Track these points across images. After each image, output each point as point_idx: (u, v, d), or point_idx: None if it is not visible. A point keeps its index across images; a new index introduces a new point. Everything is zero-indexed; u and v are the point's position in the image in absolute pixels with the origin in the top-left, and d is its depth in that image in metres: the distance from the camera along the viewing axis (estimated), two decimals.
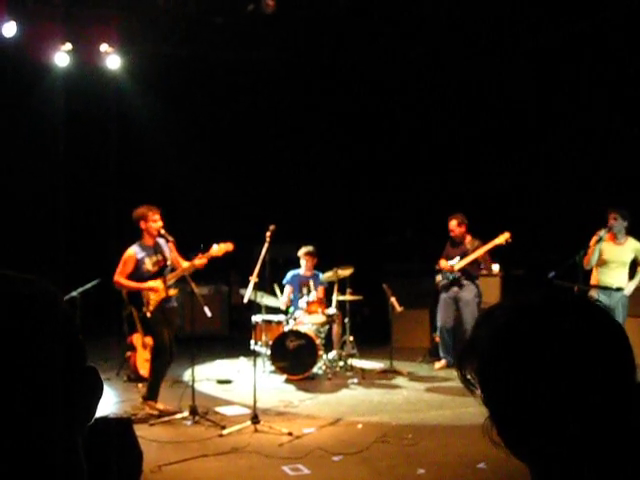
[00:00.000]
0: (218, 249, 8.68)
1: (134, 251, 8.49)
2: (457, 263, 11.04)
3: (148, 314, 8.39)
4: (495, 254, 11.38)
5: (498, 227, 10.89)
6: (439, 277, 11.38)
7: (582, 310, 1.26)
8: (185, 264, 8.59)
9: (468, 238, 11.16)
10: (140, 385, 9.60)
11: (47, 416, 1.05)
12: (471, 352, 1.29)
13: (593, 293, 9.66)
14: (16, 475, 1.03)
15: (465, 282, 11.14)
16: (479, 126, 13.57)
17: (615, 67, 11.40)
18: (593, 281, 9.97)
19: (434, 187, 14.53)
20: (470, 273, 11.16)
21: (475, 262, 11.10)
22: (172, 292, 8.55)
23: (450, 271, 11.13)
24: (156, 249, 8.55)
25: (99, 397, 1.13)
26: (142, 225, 8.47)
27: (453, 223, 11.20)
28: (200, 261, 8.50)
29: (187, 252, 8.90)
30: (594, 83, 11.76)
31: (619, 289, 9.77)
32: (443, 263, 11.20)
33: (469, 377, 1.29)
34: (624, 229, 9.77)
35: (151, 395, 8.52)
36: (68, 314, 1.12)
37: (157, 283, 8.44)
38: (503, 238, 10.72)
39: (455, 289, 11.20)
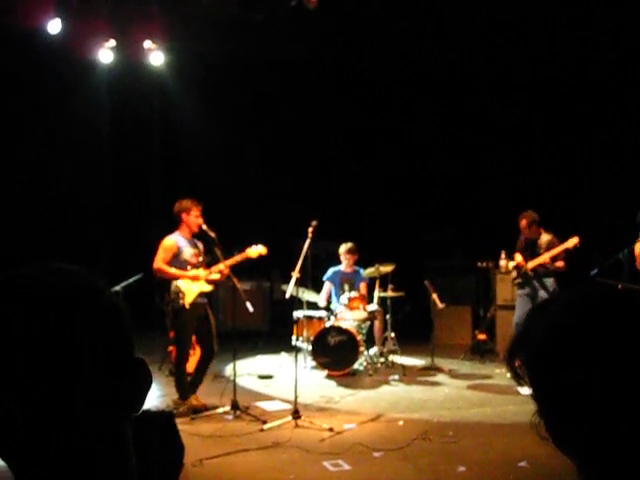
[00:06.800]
0: (252, 251, 8.71)
1: (175, 239, 8.47)
2: (529, 262, 10.35)
3: (187, 306, 8.32)
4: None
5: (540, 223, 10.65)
6: (514, 273, 10.70)
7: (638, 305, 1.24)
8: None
9: (542, 235, 10.46)
10: None
11: (91, 407, 1.06)
12: (522, 345, 1.28)
13: None
14: (58, 466, 1.04)
15: (538, 281, 10.39)
16: (523, 121, 13.47)
17: None
18: None
19: (475, 184, 14.45)
20: (538, 272, 10.38)
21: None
22: (208, 288, 8.58)
23: (524, 268, 10.42)
24: (194, 242, 8.60)
25: (147, 388, 1.14)
26: (184, 217, 8.47)
27: (523, 224, 10.48)
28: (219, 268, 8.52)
29: (227, 248, 8.92)
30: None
31: None
32: (518, 257, 10.53)
33: (518, 370, 1.28)
34: None
35: (184, 393, 8.52)
36: (116, 305, 1.13)
37: (199, 271, 8.47)
38: (572, 243, 10.08)
39: (530, 287, 10.44)
